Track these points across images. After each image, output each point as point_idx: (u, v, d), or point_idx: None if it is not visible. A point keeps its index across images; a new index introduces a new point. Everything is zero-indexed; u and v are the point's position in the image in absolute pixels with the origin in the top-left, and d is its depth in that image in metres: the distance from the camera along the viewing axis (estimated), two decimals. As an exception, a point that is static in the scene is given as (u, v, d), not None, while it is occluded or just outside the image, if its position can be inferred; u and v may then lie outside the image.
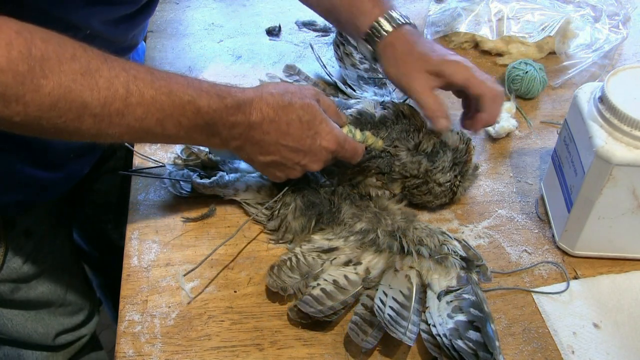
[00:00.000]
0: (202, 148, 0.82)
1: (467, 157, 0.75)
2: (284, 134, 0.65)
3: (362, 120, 0.76)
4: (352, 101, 0.83)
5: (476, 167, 0.78)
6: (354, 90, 0.90)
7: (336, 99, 0.86)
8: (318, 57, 0.96)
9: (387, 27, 0.74)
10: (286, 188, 0.73)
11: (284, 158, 0.67)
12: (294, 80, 0.94)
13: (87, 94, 0.52)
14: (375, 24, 0.75)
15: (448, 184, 0.74)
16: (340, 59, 0.96)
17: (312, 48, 1.00)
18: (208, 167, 0.81)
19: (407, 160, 0.74)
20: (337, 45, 0.97)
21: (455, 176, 0.75)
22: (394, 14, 0.75)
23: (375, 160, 0.75)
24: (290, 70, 0.96)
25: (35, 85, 0.50)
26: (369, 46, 0.76)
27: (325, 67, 0.94)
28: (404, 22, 0.75)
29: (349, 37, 0.94)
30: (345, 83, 0.92)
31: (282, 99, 0.65)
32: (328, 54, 1.01)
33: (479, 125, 0.73)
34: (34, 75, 0.49)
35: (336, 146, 0.68)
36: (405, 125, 0.75)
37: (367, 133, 0.73)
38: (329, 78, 0.94)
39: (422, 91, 0.72)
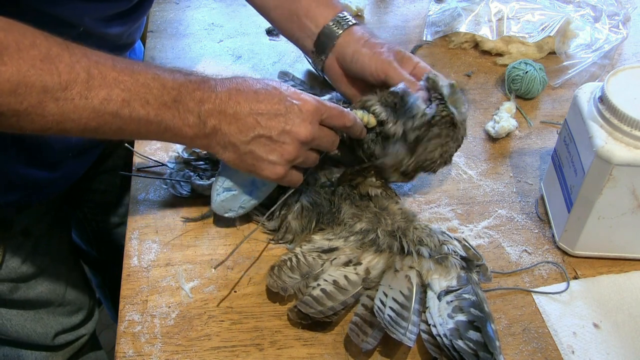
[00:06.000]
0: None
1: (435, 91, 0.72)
2: (255, 102, 0.63)
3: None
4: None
5: (461, 88, 0.73)
6: None
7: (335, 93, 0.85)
8: (315, 67, 0.94)
9: (339, 30, 0.78)
10: (290, 191, 0.72)
11: (265, 128, 0.63)
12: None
13: (47, 78, 0.53)
14: (330, 22, 0.78)
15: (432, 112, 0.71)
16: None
17: (306, 59, 0.99)
18: (210, 162, 0.81)
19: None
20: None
21: (433, 100, 0.71)
22: (345, 16, 0.78)
23: (370, 140, 0.73)
24: (285, 76, 0.96)
25: None
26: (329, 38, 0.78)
27: (324, 76, 0.94)
28: (354, 22, 0.78)
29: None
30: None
31: (243, 76, 0.66)
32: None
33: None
34: None
35: (315, 103, 0.65)
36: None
37: (357, 111, 0.71)
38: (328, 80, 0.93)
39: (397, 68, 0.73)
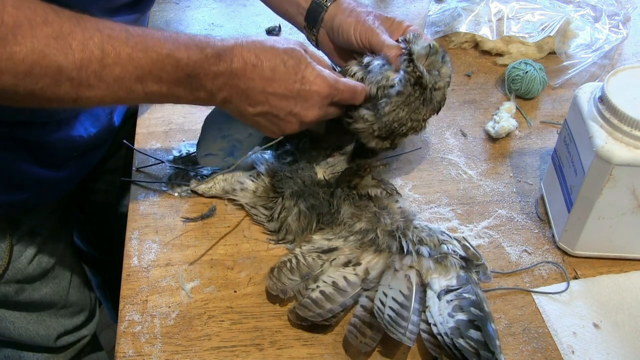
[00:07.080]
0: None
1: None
2: (269, 80, 0.63)
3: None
4: None
5: (443, 52, 0.72)
6: None
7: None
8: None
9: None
10: (288, 192, 0.73)
11: (273, 107, 0.64)
12: None
13: (61, 58, 0.52)
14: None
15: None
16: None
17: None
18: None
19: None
20: None
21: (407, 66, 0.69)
22: None
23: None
24: None
25: (9, 52, 0.50)
26: (319, 10, 0.77)
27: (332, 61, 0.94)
28: None
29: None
30: None
31: (264, 44, 0.64)
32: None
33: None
34: (7, 43, 0.50)
35: (328, 89, 0.65)
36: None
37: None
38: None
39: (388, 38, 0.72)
